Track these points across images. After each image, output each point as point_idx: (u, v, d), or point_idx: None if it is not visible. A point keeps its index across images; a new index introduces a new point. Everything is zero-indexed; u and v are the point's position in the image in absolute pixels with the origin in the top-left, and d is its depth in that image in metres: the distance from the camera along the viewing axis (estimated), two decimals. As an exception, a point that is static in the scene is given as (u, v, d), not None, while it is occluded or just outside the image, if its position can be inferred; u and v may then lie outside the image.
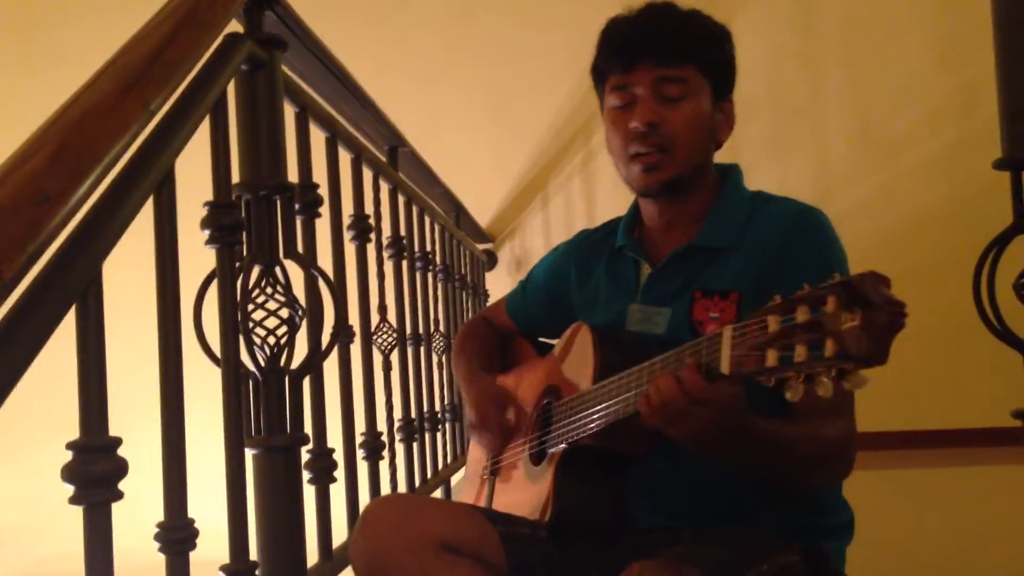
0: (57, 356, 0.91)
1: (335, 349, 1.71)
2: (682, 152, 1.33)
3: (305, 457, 1.52)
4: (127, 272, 1.39)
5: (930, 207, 3.28)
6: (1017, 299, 1.53)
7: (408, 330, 2.30)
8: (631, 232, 1.46)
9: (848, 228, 3.22)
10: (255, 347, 1.33)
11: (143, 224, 1.04)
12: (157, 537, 1.04)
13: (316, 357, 1.41)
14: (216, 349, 1.25)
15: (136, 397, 1.76)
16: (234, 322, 1.22)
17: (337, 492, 1.66)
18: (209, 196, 1.21)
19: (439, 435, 2.51)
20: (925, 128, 3.32)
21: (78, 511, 0.89)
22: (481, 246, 3.63)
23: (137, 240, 1.06)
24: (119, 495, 0.90)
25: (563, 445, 1.33)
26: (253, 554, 1.29)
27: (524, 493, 1.43)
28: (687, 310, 1.32)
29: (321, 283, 1.47)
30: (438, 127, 3.63)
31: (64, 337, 0.87)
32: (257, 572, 1.23)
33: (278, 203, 1.36)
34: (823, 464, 1.25)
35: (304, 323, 1.38)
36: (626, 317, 1.39)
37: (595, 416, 1.24)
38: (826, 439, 1.22)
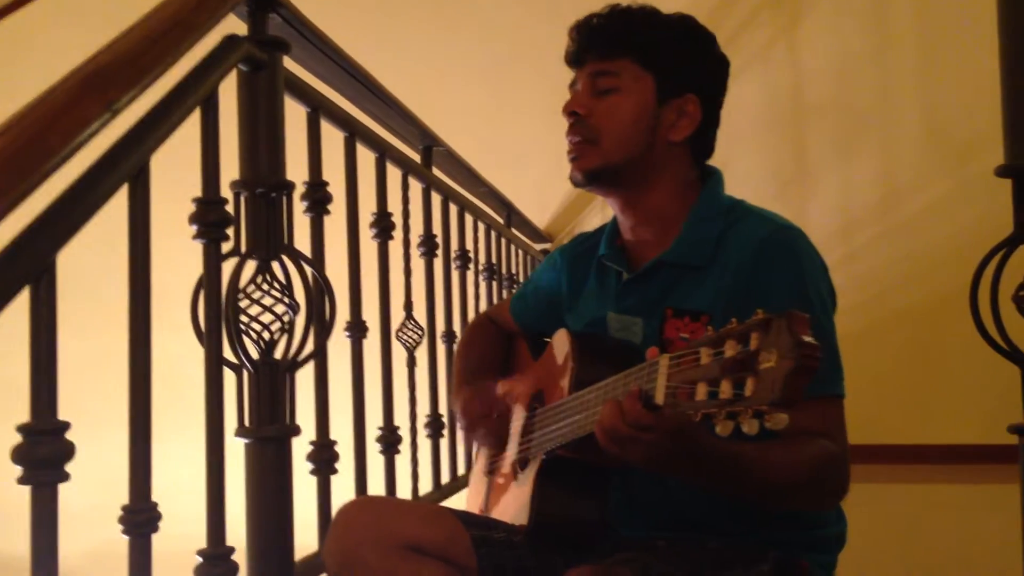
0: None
1: (348, 344, 1.76)
2: (608, 143, 1.33)
3: (309, 449, 1.57)
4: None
5: (1001, 215, 3.14)
6: (1018, 312, 1.46)
7: (442, 328, 2.33)
8: (613, 240, 1.45)
9: (915, 235, 3.19)
10: (250, 340, 1.37)
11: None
12: (121, 520, 1.08)
13: (313, 350, 1.44)
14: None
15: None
16: (218, 315, 1.26)
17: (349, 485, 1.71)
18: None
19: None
20: (998, 133, 3.18)
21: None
22: (539, 246, 3.63)
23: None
24: (65, 476, 0.94)
25: (543, 454, 1.33)
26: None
27: (511, 497, 1.44)
28: (659, 327, 1.30)
29: (339, 280, 1.51)
30: (498, 128, 3.66)
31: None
32: (235, 558, 1.26)
33: (277, 201, 1.39)
34: (803, 487, 1.19)
35: (304, 318, 1.42)
36: (606, 325, 1.38)
37: (563, 429, 1.24)
38: (806, 461, 1.17)
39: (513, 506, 1.40)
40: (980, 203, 3.14)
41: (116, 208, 1.09)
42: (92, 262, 2.44)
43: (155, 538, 1.11)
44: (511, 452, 1.48)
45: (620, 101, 1.33)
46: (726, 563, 1.19)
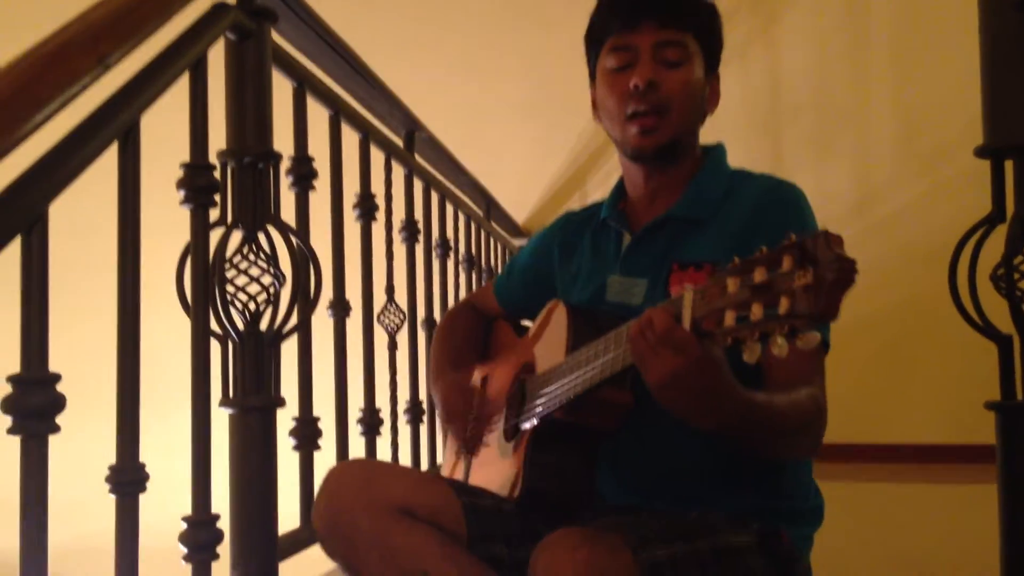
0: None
1: (331, 322, 1.75)
2: (677, 116, 1.35)
3: (292, 424, 1.57)
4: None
5: (975, 215, 3.19)
6: (995, 290, 1.48)
7: (423, 314, 2.32)
8: (616, 205, 1.47)
9: (890, 235, 3.22)
10: (235, 310, 1.37)
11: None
12: (108, 479, 1.08)
13: (297, 322, 1.44)
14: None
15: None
16: (206, 283, 1.26)
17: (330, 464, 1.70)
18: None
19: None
20: (973, 135, 3.23)
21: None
22: (517, 241, 3.64)
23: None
24: (55, 428, 0.93)
25: (535, 420, 1.33)
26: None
27: (496, 469, 1.44)
28: (665, 281, 1.32)
29: (322, 259, 1.51)
30: (479, 121, 3.67)
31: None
32: (219, 525, 1.25)
33: (264, 171, 1.39)
34: (798, 433, 1.22)
35: (290, 290, 1.42)
36: (605, 289, 1.39)
37: (564, 387, 1.24)
38: (802, 410, 1.19)
39: (499, 477, 1.40)
40: (954, 203, 3.19)
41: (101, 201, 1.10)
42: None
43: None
44: (497, 425, 1.48)
45: (688, 74, 1.35)
46: (710, 529, 1.19)
